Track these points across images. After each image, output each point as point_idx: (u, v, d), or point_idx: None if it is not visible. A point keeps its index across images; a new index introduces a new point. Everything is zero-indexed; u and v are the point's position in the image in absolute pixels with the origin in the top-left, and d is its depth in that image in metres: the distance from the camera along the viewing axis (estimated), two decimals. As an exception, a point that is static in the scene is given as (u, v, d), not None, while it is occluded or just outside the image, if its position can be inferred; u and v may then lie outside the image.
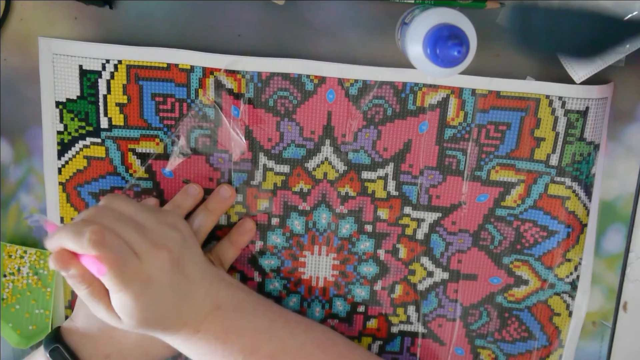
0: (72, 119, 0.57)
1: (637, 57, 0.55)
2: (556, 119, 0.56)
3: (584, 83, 0.55)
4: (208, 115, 0.57)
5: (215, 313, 0.52)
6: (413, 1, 0.54)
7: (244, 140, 0.57)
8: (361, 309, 0.62)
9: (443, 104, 0.56)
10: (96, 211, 0.50)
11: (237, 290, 0.55)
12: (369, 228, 0.60)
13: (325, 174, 0.58)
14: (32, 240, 0.61)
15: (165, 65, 0.56)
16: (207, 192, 0.59)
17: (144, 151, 0.58)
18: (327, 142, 0.58)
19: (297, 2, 0.55)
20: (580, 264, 0.60)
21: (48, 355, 0.53)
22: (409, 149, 0.58)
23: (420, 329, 0.62)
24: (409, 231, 0.60)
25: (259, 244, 0.60)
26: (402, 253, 0.60)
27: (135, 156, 0.58)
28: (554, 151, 0.57)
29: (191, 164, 0.58)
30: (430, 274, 0.61)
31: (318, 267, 0.61)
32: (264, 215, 0.60)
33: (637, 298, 0.61)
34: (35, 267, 0.61)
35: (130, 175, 0.59)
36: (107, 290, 0.48)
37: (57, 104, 0.57)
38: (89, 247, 0.46)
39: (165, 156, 0.58)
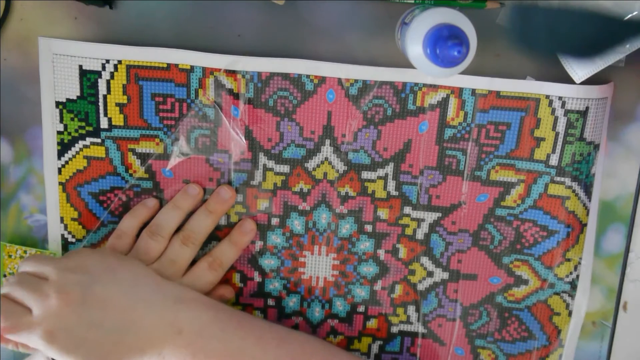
0: (72, 119, 0.57)
1: (637, 57, 0.55)
2: (556, 119, 0.56)
3: (584, 83, 0.55)
4: (208, 115, 0.57)
5: (176, 338, 0.51)
6: (413, 1, 0.54)
7: (244, 141, 0.57)
8: (361, 309, 0.62)
9: (443, 104, 0.56)
10: (5, 280, 0.53)
11: (201, 311, 0.53)
12: (369, 228, 0.60)
13: (325, 174, 0.58)
14: (32, 240, 0.61)
15: (165, 65, 0.56)
16: (207, 192, 0.59)
17: (144, 151, 0.58)
18: (327, 142, 0.58)
19: (297, 2, 0.55)
20: (580, 263, 0.60)
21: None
22: (409, 149, 0.58)
23: (420, 329, 0.62)
24: (409, 231, 0.60)
25: (259, 244, 0.60)
26: (402, 253, 0.60)
27: (135, 156, 0.58)
28: (553, 151, 0.57)
29: (191, 164, 0.58)
30: (430, 274, 0.61)
31: (318, 267, 0.61)
32: (264, 215, 0.60)
33: (637, 298, 0.61)
34: (35, 267, 0.61)
35: (130, 175, 0.59)
36: None
37: (57, 104, 0.57)
38: None
39: (165, 156, 0.58)
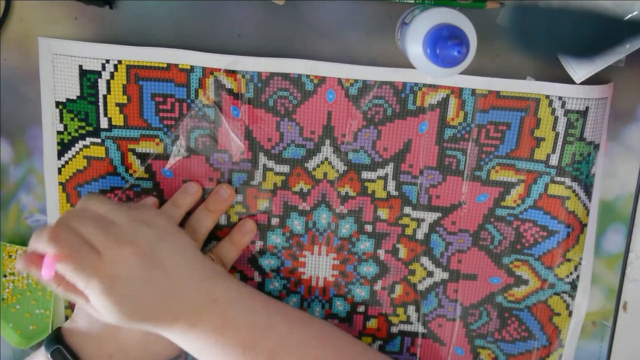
0: (72, 119, 0.57)
1: (637, 57, 0.55)
2: (556, 119, 0.56)
3: (584, 83, 0.55)
4: (208, 115, 0.57)
5: (211, 307, 0.52)
6: (413, 1, 0.54)
7: (243, 141, 0.57)
8: (361, 309, 0.62)
9: (443, 104, 0.56)
10: (67, 212, 0.51)
11: (235, 284, 0.55)
12: (369, 228, 0.60)
13: (325, 174, 0.58)
14: (32, 240, 0.61)
15: (165, 65, 0.56)
16: (207, 192, 0.59)
17: (143, 151, 0.58)
18: (327, 142, 0.58)
19: (297, 2, 0.55)
20: (580, 263, 0.60)
21: (49, 356, 0.53)
22: (409, 149, 0.58)
23: (420, 329, 0.62)
24: (409, 231, 0.60)
25: (259, 244, 0.60)
26: (402, 253, 0.60)
27: (135, 156, 0.58)
28: (553, 151, 0.57)
29: (191, 164, 0.58)
30: (430, 274, 0.61)
31: (318, 267, 0.61)
32: (264, 215, 0.60)
33: (637, 298, 0.61)
34: (35, 267, 0.61)
35: (130, 175, 0.59)
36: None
37: (57, 104, 0.57)
38: (45, 244, 0.47)
39: (165, 156, 0.58)
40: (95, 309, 0.49)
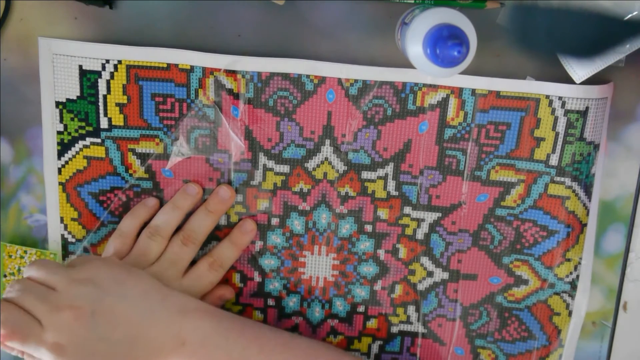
0: (72, 119, 0.57)
1: (637, 57, 0.55)
2: (556, 119, 0.56)
3: (584, 83, 0.55)
4: (208, 115, 0.57)
5: (179, 350, 0.51)
6: (413, 1, 0.54)
7: (243, 141, 0.57)
8: (361, 309, 0.62)
9: (443, 104, 0.56)
10: (11, 285, 0.51)
11: (204, 320, 0.53)
12: (369, 228, 0.60)
13: (325, 174, 0.58)
14: (32, 240, 0.61)
15: (165, 66, 0.56)
16: (207, 192, 0.59)
17: (144, 151, 0.58)
18: (327, 142, 0.58)
19: (297, 2, 0.55)
20: (580, 263, 0.60)
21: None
22: (409, 149, 0.58)
23: (420, 329, 0.62)
24: (409, 231, 0.60)
25: (259, 244, 0.60)
26: (402, 253, 0.60)
27: (135, 156, 0.58)
28: (553, 151, 0.57)
29: (191, 164, 0.58)
30: (430, 274, 0.61)
31: (318, 267, 0.61)
32: (264, 215, 0.60)
33: (637, 298, 0.61)
34: (35, 267, 0.61)
35: (130, 175, 0.59)
36: None
37: (57, 104, 0.57)
38: None
39: (165, 156, 0.58)
40: None
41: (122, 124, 0.57)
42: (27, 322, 0.49)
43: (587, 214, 0.59)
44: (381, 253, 0.60)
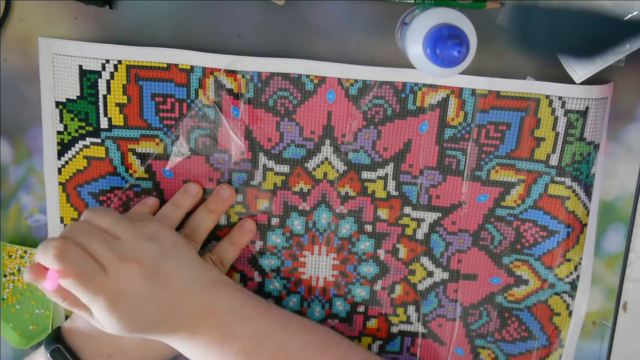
0: (72, 119, 0.57)
1: (637, 57, 0.55)
2: (556, 119, 0.56)
3: (584, 83, 0.55)
4: (208, 115, 0.57)
5: (211, 318, 0.52)
6: (413, 1, 0.54)
7: (243, 141, 0.57)
8: (361, 309, 0.62)
9: (443, 104, 0.56)
10: (72, 226, 0.50)
11: (235, 293, 0.55)
12: (369, 228, 0.60)
13: (325, 174, 0.58)
14: (32, 240, 0.61)
15: (165, 66, 0.56)
16: (207, 192, 0.59)
17: (143, 151, 0.58)
18: (327, 142, 0.58)
19: (297, 2, 0.55)
20: (580, 263, 0.60)
21: (49, 356, 0.53)
22: (409, 149, 0.58)
23: (420, 328, 0.62)
24: (409, 231, 0.60)
25: (259, 244, 0.60)
26: (402, 253, 0.60)
27: (135, 156, 0.58)
28: (553, 151, 0.57)
29: (191, 164, 0.58)
30: (430, 274, 0.61)
31: (318, 267, 0.61)
32: (264, 215, 0.60)
33: (637, 298, 0.61)
34: (35, 267, 0.61)
35: (130, 175, 0.59)
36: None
37: (57, 104, 0.57)
38: (52, 261, 0.47)
39: (165, 156, 0.58)
40: (98, 321, 0.50)
41: (122, 124, 0.57)
42: (92, 265, 0.48)
43: (587, 214, 0.59)
44: (381, 253, 0.60)
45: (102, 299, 0.48)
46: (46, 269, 0.47)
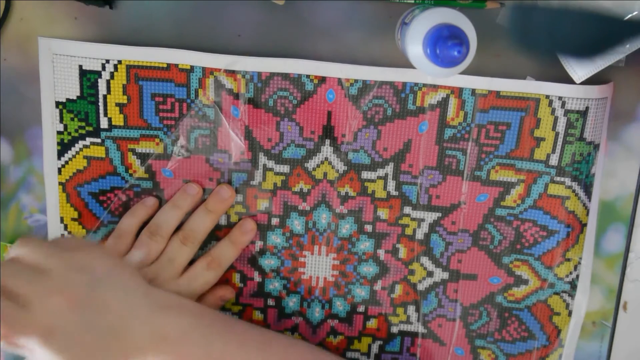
0: (72, 119, 0.57)
1: (637, 57, 0.55)
2: (556, 119, 0.56)
3: (584, 83, 0.55)
4: (208, 115, 0.57)
5: (160, 345, 0.51)
6: (413, 1, 0.54)
7: (243, 141, 0.57)
8: (361, 309, 0.62)
9: (443, 104, 0.56)
10: (3, 264, 0.50)
11: (185, 316, 0.53)
12: (368, 228, 0.60)
13: (325, 174, 0.58)
14: (32, 240, 0.61)
15: (165, 66, 0.56)
16: (207, 192, 0.59)
17: (144, 151, 0.58)
18: (327, 142, 0.58)
19: (297, 2, 0.55)
20: (580, 263, 0.60)
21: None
22: (409, 148, 0.58)
23: (420, 329, 0.62)
24: (408, 231, 0.60)
25: (258, 244, 0.60)
26: (402, 253, 0.60)
27: (135, 156, 0.58)
28: (553, 151, 0.57)
29: (191, 164, 0.58)
30: (430, 274, 0.61)
31: (318, 267, 0.61)
32: (264, 215, 0.60)
33: (637, 298, 0.61)
34: (35, 267, 0.61)
35: (130, 175, 0.59)
36: None
37: (57, 104, 0.57)
38: None
39: (165, 156, 0.58)
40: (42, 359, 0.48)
41: (122, 124, 0.57)
42: (13, 307, 0.47)
43: (587, 214, 0.59)
44: (381, 253, 0.60)
45: (35, 336, 0.47)
46: None
